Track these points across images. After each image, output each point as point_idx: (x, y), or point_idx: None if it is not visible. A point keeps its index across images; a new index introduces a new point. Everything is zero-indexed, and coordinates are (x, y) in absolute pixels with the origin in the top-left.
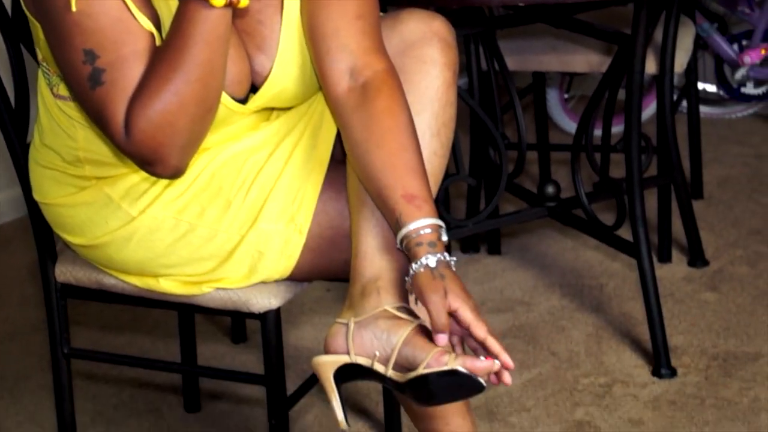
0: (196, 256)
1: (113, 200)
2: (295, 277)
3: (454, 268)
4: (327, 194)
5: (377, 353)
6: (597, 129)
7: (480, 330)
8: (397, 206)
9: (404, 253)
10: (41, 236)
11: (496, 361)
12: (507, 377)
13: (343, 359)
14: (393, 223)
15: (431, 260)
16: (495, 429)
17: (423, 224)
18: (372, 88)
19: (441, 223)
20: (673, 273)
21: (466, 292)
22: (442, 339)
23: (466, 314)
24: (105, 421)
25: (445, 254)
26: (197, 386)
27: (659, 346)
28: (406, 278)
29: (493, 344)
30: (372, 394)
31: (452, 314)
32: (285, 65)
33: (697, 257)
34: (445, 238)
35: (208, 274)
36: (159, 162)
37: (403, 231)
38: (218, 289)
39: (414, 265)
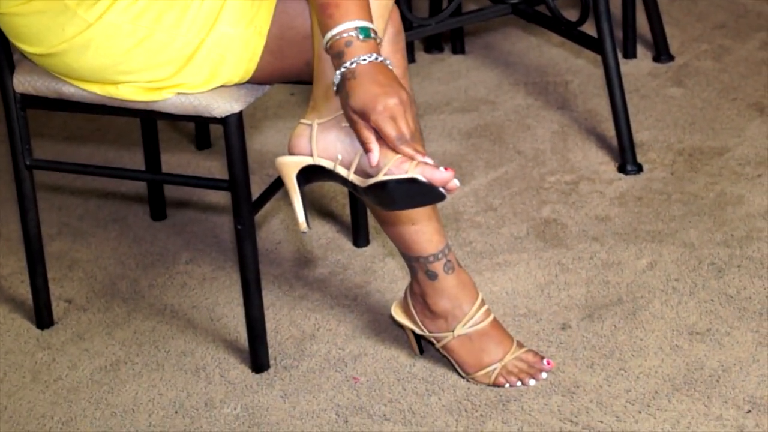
0: (155, 61)
1: (69, 7)
2: (255, 80)
3: (385, 63)
4: None
5: (340, 156)
6: None
7: (389, 138)
8: (317, 19)
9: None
10: None
11: (455, 181)
12: (452, 184)
13: (306, 161)
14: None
15: (336, 78)
16: (461, 229)
17: (333, 33)
18: None
19: (357, 24)
20: (638, 68)
21: (376, 96)
22: (372, 158)
23: (376, 125)
24: (71, 231)
25: (355, 60)
26: (162, 194)
27: (625, 143)
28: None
29: (403, 149)
30: (338, 197)
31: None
32: None
33: (662, 52)
34: (362, 36)
35: (168, 80)
36: None
37: (325, 46)
38: (179, 94)
39: (335, 80)
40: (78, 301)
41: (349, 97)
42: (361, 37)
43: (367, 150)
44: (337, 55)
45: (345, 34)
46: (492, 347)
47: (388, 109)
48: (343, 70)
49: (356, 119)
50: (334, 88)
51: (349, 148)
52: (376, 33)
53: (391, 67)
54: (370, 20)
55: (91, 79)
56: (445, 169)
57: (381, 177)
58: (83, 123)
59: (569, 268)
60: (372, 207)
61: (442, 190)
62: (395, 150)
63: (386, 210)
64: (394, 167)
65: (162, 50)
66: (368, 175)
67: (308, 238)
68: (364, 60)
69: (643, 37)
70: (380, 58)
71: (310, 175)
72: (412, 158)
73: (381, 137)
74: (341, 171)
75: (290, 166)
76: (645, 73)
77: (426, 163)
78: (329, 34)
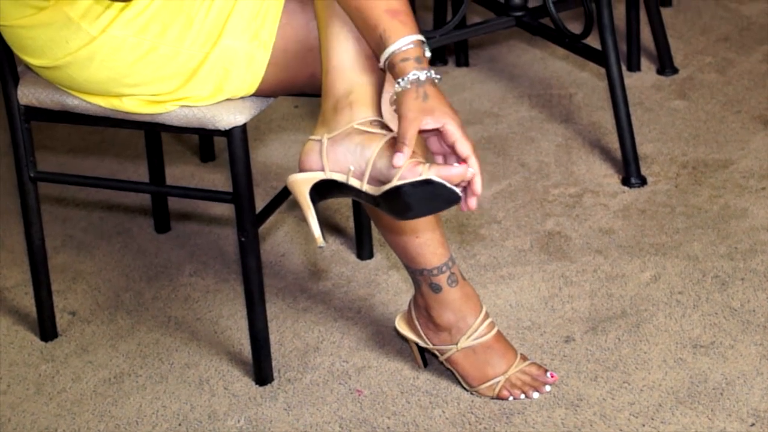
0: (160, 75)
1: (73, 20)
2: (260, 93)
3: (437, 84)
4: (291, 7)
5: (352, 168)
6: None
7: (464, 147)
8: (381, 22)
9: (384, 70)
10: (2, 59)
11: (470, 169)
12: (473, 202)
13: (318, 176)
14: (375, 40)
15: (420, 75)
16: (466, 241)
17: (409, 40)
18: None
19: (423, 38)
20: (642, 81)
21: (453, 110)
22: (399, 158)
23: (453, 129)
24: (75, 244)
25: (431, 71)
26: (166, 207)
27: (629, 155)
28: (392, 94)
29: (474, 164)
30: (342, 209)
31: (440, 130)
32: None
33: (666, 65)
34: (428, 53)
35: (173, 93)
36: None
37: (390, 48)
38: (183, 107)
39: (401, 81)
40: (82, 313)
41: (429, 99)
42: (428, 53)
43: (400, 148)
44: (416, 60)
45: (423, 45)
46: (496, 360)
47: (459, 121)
48: (427, 74)
49: (418, 119)
50: (407, 86)
51: (360, 159)
52: None
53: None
54: None
55: (95, 91)
56: (459, 163)
57: (395, 182)
58: (87, 135)
59: (573, 280)
60: (378, 219)
61: (456, 190)
62: (464, 160)
63: (402, 218)
64: (407, 171)
65: (166, 64)
66: (382, 183)
67: (312, 251)
68: (437, 76)
69: (647, 49)
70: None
71: (322, 190)
72: (472, 169)
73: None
74: (354, 182)
75: (303, 183)
76: (649, 85)
77: (439, 164)
78: (412, 37)
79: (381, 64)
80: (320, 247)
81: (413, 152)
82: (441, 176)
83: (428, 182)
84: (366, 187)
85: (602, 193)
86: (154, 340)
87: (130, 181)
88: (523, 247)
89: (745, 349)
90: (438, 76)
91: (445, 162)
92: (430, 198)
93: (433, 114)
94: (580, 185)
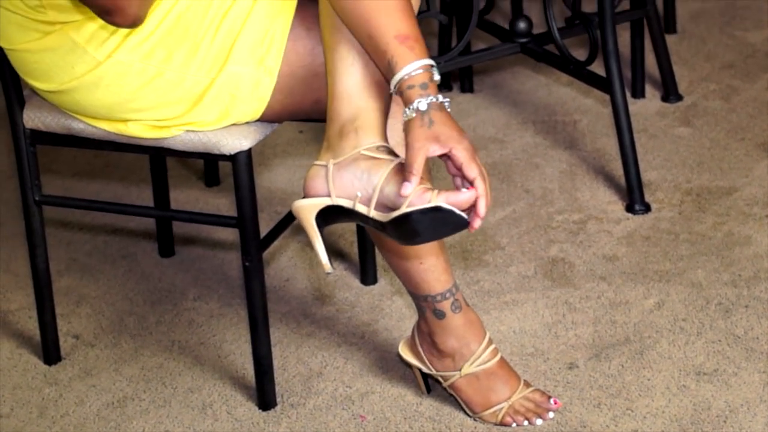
0: (165, 100)
1: (79, 45)
2: (265, 119)
3: (449, 108)
4: (296, 32)
5: (359, 194)
6: None
7: (471, 170)
8: (389, 48)
9: (394, 95)
10: (8, 83)
11: (477, 190)
12: (476, 223)
13: (324, 201)
14: (384, 66)
15: (422, 104)
16: (470, 267)
17: (415, 66)
18: None
19: (432, 62)
20: (646, 108)
21: (460, 133)
22: (407, 187)
23: (459, 153)
24: (79, 267)
25: (438, 95)
26: (171, 231)
27: (633, 182)
28: (401, 123)
29: (480, 186)
30: (347, 234)
31: (448, 156)
32: None
33: (670, 92)
34: (437, 77)
35: (179, 118)
36: (117, 11)
37: (397, 76)
38: (188, 131)
39: (407, 110)
40: (86, 337)
41: (434, 125)
42: (436, 76)
43: (407, 178)
44: (421, 86)
45: (431, 69)
46: (499, 386)
47: (471, 146)
48: (431, 100)
49: (425, 147)
50: (412, 114)
51: (367, 185)
52: None
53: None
54: None
55: (100, 116)
56: (467, 188)
57: (404, 209)
58: (92, 159)
59: (576, 307)
60: (382, 245)
61: (465, 216)
62: (471, 182)
63: (409, 244)
64: (416, 198)
65: (172, 89)
66: (389, 209)
67: (316, 276)
68: (447, 100)
69: (652, 76)
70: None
71: (328, 216)
72: (482, 196)
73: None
74: (361, 209)
75: (308, 209)
76: (653, 112)
77: (447, 190)
78: (419, 63)
79: (391, 91)
80: (328, 273)
81: (421, 178)
82: (450, 203)
83: (437, 209)
84: (373, 213)
85: (606, 219)
86: (158, 364)
87: (134, 205)
88: (527, 273)
89: (749, 376)
90: (446, 100)
91: (462, 183)
92: (439, 224)
93: (438, 140)
94: (584, 212)
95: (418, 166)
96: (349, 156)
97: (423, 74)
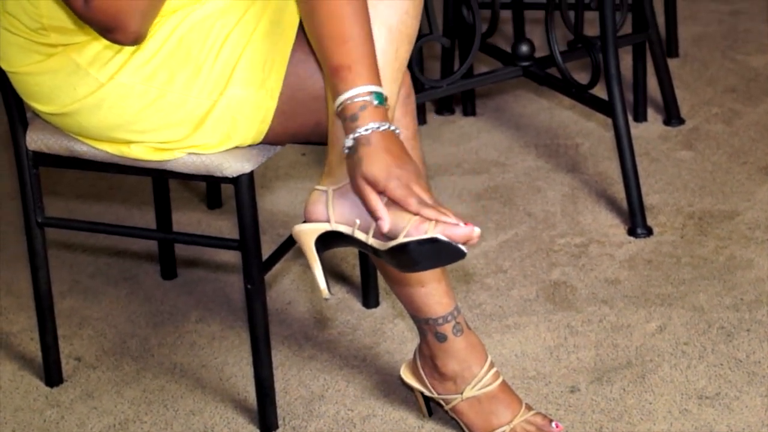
0: (167, 122)
1: (81, 67)
2: (267, 141)
3: (392, 129)
4: (297, 56)
5: (357, 221)
6: None
7: (410, 206)
8: (328, 81)
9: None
10: (11, 105)
11: (476, 229)
12: (474, 234)
13: (324, 227)
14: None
15: (348, 140)
16: (471, 291)
17: (345, 97)
18: None
19: (370, 89)
20: (648, 132)
21: (388, 167)
22: (383, 225)
23: (392, 194)
24: (82, 289)
25: (370, 124)
26: (173, 253)
27: (635, 206)
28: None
29: (428, 213)
30: (349, 257)
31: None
32: None
33: (672, 115)
34: (376, 102)
35: (182, 141)
36: (119, 29)
37: (334, 107)
38: (191, 154)
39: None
40: (87, 359)
41: (362, 163)
42: (375, 102)
43: (376, 218)
44: (350, 119)
45: (359, 99)
46: (501, 410)
47: (403, 177)
48: (357, 135)
49: (364, 186)
50: (345, 151)
51: (366, 213)
52: (386, 99)
53: (401, 136)
54: (381, 85)
55: (103, 138)
56: (465, 224)
57: (401, 239)
58: (95, 181)
59: (578, 330)
60: (384, 268)
61: (462, 247)
62: (419, 214)
63: (408, 272)
64: (413, 229)
65: (174, 111)
66: (388, 238)
67: (318, 299)
68: (378, 128)
69: (654, 100)
70: (393, 127)
71: (328, 241)
72: (434, 220)
73: (393, 203)
74: (360, 236)
75: (308, 234)
76: (655, 136)
77: (446, 222)
78: (342, 97)
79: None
80: (326, 299)
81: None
82: (446, 235)
83: (434, 240)
84: (371, 241)
85: (608, 243)
86: (160, 387)
87: (137, 227)
88: (529, 296)
89: (751, 400)
90: (384, 125)
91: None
92: (436, 254)
93: (368, 180)
94: (586, 235)
95: (374, 207)
96: (348, 182)
97: (353, 105)
